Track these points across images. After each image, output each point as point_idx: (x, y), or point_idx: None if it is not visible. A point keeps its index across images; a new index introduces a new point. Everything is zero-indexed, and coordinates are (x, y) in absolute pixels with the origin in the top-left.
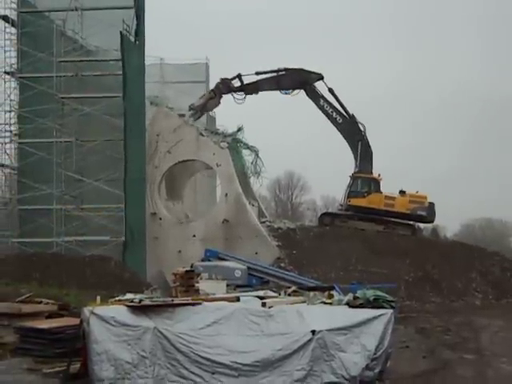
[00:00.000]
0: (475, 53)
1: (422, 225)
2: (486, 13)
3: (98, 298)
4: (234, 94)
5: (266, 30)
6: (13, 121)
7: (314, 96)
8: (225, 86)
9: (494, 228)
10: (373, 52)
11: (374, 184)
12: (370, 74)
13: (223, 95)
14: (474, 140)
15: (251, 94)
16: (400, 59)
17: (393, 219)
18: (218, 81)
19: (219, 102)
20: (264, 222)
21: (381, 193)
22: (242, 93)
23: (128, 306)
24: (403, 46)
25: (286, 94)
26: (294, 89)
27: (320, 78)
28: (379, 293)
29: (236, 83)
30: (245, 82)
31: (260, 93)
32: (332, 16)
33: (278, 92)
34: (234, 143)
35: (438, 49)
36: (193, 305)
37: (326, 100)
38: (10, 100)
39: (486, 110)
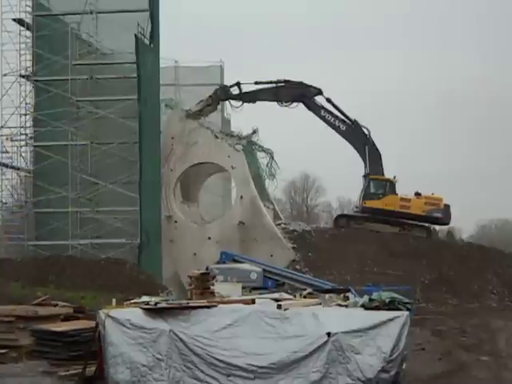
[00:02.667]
0: (477, 51)
1: (437, 227)
2: (488, 11)
3: (114, 300)
4: (231, 101)
5: (280, 33)
6: (28, 124)
7: (314, 108)
8: (223, 93)
9: (510, 229)
10: (373, 53)
11: (390, 186)
12: (370, 74)
13: (221, 101)
14: (487, 139)
15: (249, 102)
16: (401, 60)
17: (408, 221)
18: (217, 87)
19: (216, 108)
20: (279, 225)
21: (396, 195)
22: (240, 101)
23: (143, 309)
24: (404, 47)
25: (285, 106)
26: (292, 101)
27: (319, 92)
28: (395, 295)
29: (235, 91)
30: (243, 91)
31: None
32: (332, 16)
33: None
34: (249, 146)
35: (439, 48)
36: (208, 307)
37: (326, 110)
38: (26, 103)
39: (495, 109)
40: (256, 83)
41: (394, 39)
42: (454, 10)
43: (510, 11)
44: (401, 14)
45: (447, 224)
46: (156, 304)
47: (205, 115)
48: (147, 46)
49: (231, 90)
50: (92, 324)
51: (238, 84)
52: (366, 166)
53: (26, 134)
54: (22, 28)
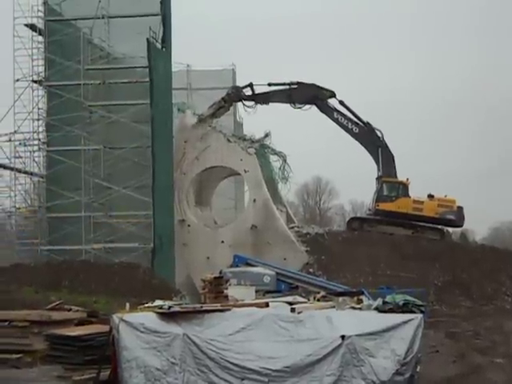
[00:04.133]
0: (481, 51)
1: (450, 229)
2: (494, 12)
3: (127, 304)
4: (244, 102)
5: (292, 36)
6: (41, 129)
7: (327, 110)
8: (236, 94)
9: None
10: (376, 54)
11: (403, 188)
12: (374, 76)
13: (234, 103)
14: (497, 140)
15: (262, 103)
16: (405, 60)
17: (421, 223)
18: (229, 89)
19: (229, 109)
20: (292, 228)
21: (409, 197)
22: (253, 102)
23: (157, 313)
24: (407, 47)
25: (298, 108)
26: (305, 103)
27: (332, 95)
28: (408, 297)
29: (247, 92)
30: (256, 92)
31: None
32: (339, 16)
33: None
34: (262, 149)
35: (444, 49)
36: (222, 311)
37: (339, 112)
38: (38, 108)
39: (506, 108)
40: (269, 85)
41: (401, 39)
42: (460, 10)
43: None
44: (408, 14)
45: (460, 226)
46: (169, 308)
47: (218, 117)
48: (159, 50)
49: (244, 91)
50: (106, 328)
51: (250, 85)
52: (379, 169)
53: (39, 139)
54: (34, 33)
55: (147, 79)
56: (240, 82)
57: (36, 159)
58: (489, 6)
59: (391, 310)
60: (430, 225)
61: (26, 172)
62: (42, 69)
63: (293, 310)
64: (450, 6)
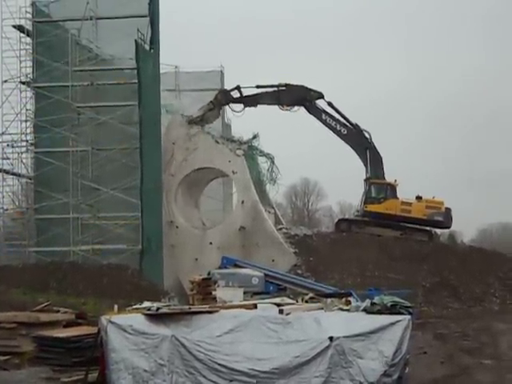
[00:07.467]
0: (479, 54)
1: (438, 230)
2: (493, 12)
3: (116, 306)
4: (232, 105)
5: (279, 37)
6: (29, 130)
7: (315, 112)
8: (224, 97)
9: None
10: (373, 54)
11: (391, 190)
12: (369, 76)
13: (222, 106)
14: (485, 142)
15: (250, 106)
16: (400, 62)
17: (409, 225)
18: (217, 92)
19: (219, 114)
20: (280, 229)
21: (397, 198)
22: (241, 105)
23: (145, 315)
24: (404, 48)
25: (286, 109)
26: (293, 105)
27: (320, 96)
28: (397, 299)
29: (235, 94)
30: (244, 94)
31: (259, 106)
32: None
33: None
34: (250, 150)
35: (439, 52)
36: (210, 312)
37: (328, 114)
38: (26, 110)
39: (496, 111)
40: (257, 87)
41: (395, 39)
42: (456, 10)
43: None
44: (402, 14)
45: (448, 227)
46: (158, 309)
47: (208, 122)
48: (147, 52)
49: (232, 93)
50: (94, 330)
51: (238, 88)
52: (367, 170)
53: (27, 141)
54: (22, 34)
55: (135, 81)
56: (228, 84)
57: (24, 160)
58: (491, 7)
59: (379, 312)
60: (418, 226)
61: (13, 173)
62: (29, 70)
63: (281, 311)
64: (451, 6)
